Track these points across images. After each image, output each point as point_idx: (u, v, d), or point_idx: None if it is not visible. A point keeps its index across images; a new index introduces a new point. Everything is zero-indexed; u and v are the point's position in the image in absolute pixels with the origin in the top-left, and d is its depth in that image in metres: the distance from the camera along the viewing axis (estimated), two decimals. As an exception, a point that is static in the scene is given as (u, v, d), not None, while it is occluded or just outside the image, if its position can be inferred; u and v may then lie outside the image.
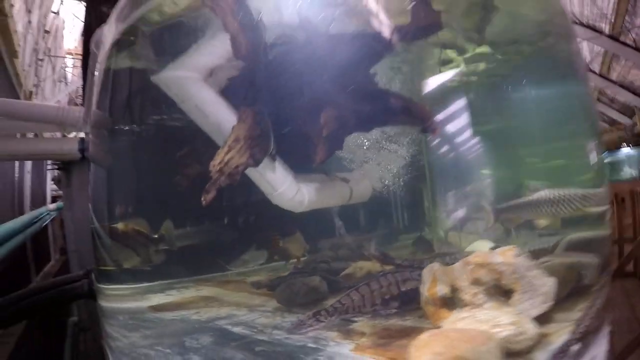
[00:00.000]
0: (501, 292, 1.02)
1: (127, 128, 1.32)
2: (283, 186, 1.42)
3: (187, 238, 1.58)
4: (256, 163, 1.30)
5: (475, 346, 0.74)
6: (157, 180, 1.33)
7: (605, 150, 12.55)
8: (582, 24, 9.70)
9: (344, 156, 1.68)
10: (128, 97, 1.26)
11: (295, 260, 1.76)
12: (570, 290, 1.11)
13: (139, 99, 1.25)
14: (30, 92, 4.01)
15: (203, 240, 1.56)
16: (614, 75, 12.22)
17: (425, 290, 1.16)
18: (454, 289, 1.08)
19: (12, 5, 2.71)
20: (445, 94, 1.25)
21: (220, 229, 1.57)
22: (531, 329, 0.86)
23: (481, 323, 0.90)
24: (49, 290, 1.88)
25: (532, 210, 1.69)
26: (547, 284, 1.01)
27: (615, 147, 14.05)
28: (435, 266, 1.16)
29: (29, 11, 3.82)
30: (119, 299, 1.31)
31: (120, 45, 1.13)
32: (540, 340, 0.85)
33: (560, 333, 0.90)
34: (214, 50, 1.18)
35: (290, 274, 1.57)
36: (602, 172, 1.60)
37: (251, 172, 1.34)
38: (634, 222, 5.17)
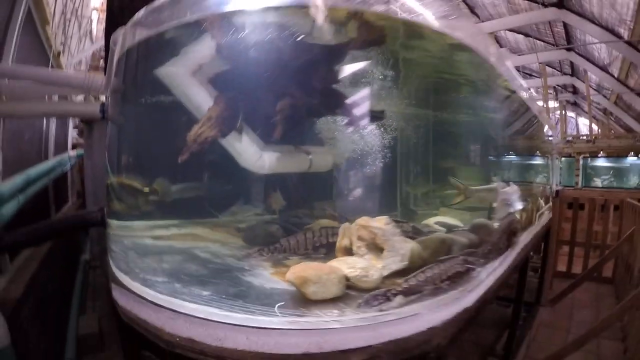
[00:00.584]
0: (376, 248, 1.44)
1: (134, 98, 1.75)
2: (247, 153, 1.83)
3: (185, 192, 2.03)
4: (223, 136, 1.74)
5: (321, 273, 1.15)
6: (153, 144, 1.77)
7: (615, 156, 12.60)
8: (600, 26, 9.60)
9: (320, 135, 2.08)
10: (136, 76, 1.69)
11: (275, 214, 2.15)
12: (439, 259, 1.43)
13: (144, 79, 1.67)
14: (59, 52, 4.43)
15: (199, 194, 2.00)
16: (631, 82, 12.09)
17: (338, 241, 1.61)
18: (351, 242, 1.51)
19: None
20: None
21: (213, 186, 2.02)
22: (374, 276, 1.26)
23: (344, 264, 1.29)
24: (70, 219, 2.40)
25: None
26: (405, 248, 1.40)
27: (626, 154, 13.93)
28: (346, 224, 1.59)
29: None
30: (123, 229, 1.77)
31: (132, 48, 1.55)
32: (379, 286, 1.24)
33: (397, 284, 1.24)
34: (201, 53, 1.60)
35: (258, 223, 2.03)
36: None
37: (225, 142, 1.77)
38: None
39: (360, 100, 1.60)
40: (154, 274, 1.37)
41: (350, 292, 1.21)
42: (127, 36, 1.55)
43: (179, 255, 1.63)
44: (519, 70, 12.90)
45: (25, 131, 3.43)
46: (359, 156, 1.82)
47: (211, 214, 2.04)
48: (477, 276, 1.47)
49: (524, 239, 2.63)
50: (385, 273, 1.34)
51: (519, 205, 2.50)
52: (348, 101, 1.60)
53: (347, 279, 1.23)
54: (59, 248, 3.64)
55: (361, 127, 1.68)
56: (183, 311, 1.08)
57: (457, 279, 1.29)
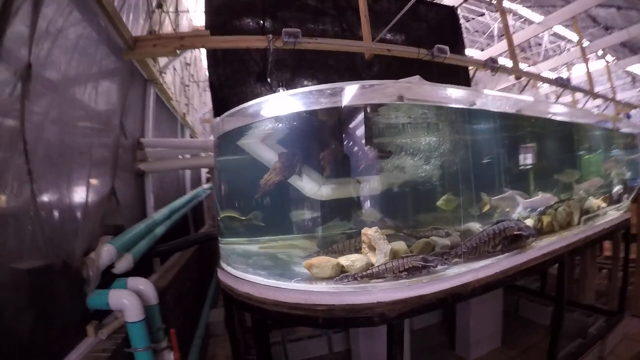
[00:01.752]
0: (373, 249, 2.13)
1: (225, 157, 2.79)
2: (307, 187, 2.70)
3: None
4: (285, 179, 2.64)
5: (321, 262, 1.95)
6: (243, 184, 2.78)
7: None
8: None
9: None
10: (228, 141, 2.72)
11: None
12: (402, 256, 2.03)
13: (232, 146, 2.70)
14: (184, 114, 6.06)
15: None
16: None
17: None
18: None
19: (163, 74, 4.54)
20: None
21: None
22: (357, 265, 1.98)
23: (345, 257, 2.06)
24: (198, 235, 3.62)
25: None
26: (387, 248, 2.04)
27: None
28: (366, 230, 2.30)
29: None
30: (226, 242, 2.79)
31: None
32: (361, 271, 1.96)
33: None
34: (265, 129, 2.55)
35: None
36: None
37: (294, 183, 2.65)
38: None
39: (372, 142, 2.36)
40: (240, 262, 2.33)
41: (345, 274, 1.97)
42: (221, 124, 2.59)
43: (263, 255, 2.56)
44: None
45: (167, 176, 4.96)
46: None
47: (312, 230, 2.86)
48: (442, 272, 1.99)
49: (545, 244, 2.65)
50: (375, 264, 2.05)
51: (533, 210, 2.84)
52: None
53: (342, 266, 1.99)
54: (196, 258, 5.04)
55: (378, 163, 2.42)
56: (251, 280, 2.00)
57: (414, 271, 1.91)
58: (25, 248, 1.82)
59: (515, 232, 2.36)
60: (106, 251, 2.41)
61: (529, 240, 2.50)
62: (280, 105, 2.40)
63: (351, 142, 2.50)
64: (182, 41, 3.25)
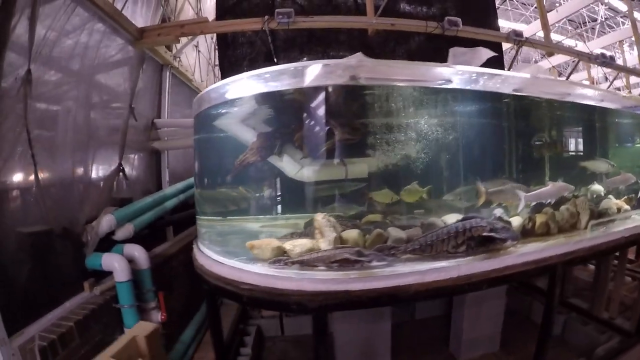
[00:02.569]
0: (322, 234, 2.24)
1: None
2: (288, 168, 2.85)
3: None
4: (262, 159, 2.84)
5: (261, 244, 2.14)
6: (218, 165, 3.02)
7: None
8: None
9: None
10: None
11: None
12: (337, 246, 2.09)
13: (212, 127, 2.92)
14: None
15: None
16: None
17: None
18: (319, 230, 2.37)
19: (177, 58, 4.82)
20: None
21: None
22: (296, 251, 2.10)
23: (291, 242, 2.19)
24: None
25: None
26: (332, 236, 2.12)
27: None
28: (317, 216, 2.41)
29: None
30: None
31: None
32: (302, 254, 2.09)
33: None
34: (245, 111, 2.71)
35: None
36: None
37: (275, 163, 2.82)
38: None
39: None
40: (205, 238, 2.63)
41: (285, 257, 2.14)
42: (196, 104, 2.77)
43: (230, 233, 2.83)
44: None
45: (188, 153, 5.40)
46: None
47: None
48: (379, 269, 1.96)
49: (531, 249, 2.30)
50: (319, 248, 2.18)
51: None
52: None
53: (284, 250, 2.17)
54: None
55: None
56: (207, 253, 2.27)
57: (346, 264, 1.93)
58: (28, 216, 2.26)
59: (484, 234, 2.11)
60: (106, 220, 2.84)
61: (506, 244, 2.21)
62: (244, 87, 2.44)
63: (320, 123, 2.60)
64: (182, 29, 3.49)
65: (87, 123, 2.96)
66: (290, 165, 2.98)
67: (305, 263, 2.01)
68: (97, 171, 3.01)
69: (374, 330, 3.35)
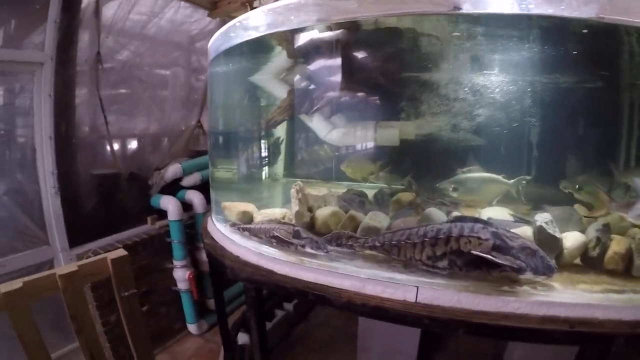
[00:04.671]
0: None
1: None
2: (319, 129, 2.69)
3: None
4: (290, 118, 2.68)
5: (231, 206, 2.09)
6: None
7: None
8: None
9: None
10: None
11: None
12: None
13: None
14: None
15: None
16: None
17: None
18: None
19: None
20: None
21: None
22: (259, 218, 1.98)
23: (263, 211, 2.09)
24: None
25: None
26: (295, 209, 1.91)
27: None
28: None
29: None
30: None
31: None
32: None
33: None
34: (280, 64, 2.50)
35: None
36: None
37: (307, 123, 2.69)
38: None
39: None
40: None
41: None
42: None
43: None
44: None
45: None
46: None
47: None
48: (316, 259, 1.62)
49: (571, 297, 1.27)
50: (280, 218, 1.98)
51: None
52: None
53: (250, 215, 2.08)
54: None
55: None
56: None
57: (281, 243, 1.70)
58: (98, 161, 2.95)
59: (475, 252, 1.27)
60: (172, 168, 3.38)
61: (523, 276, 1.28)
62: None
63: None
64: (247, -4, 3.53)
65: (174, 84, 3.52)
66: (320, 125, 2.75)
67: (251, 232, 1.89)
68: (178, 126, 3.58)
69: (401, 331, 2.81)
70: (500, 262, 1.24)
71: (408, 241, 1.43)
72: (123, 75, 3.07)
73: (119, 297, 1.79)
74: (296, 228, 1.71)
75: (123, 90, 3.11)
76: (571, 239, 1.50)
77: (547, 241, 1.47)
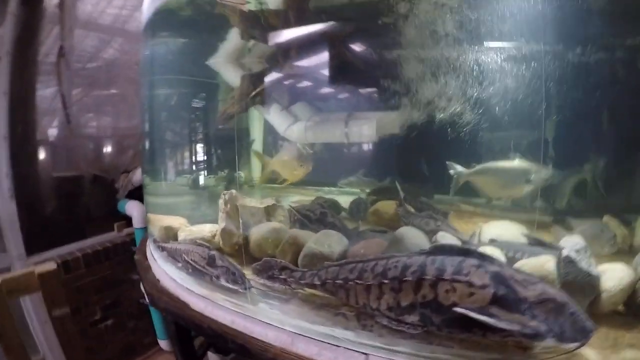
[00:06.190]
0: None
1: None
2: (277, 123, 2.28)
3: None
4: (244, 111, 2.39)
5: (157, 219, 1.83)
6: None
7: None
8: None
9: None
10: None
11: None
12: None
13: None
14: None
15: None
16: None
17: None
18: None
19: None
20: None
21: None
22: (183, 235, 1.66)
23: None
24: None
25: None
26: (222, 225, 1.56)
27: None
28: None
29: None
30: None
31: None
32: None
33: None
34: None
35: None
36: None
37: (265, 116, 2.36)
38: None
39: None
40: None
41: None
42: None
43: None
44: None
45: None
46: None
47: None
48: (230, 296, 1.27)
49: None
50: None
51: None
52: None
53: (174, 231, 1.76)
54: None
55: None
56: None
57: (196, 269, 1.38)
58: (60, 164, 2.79)
59: (462, 310, 0.77)
60: (140, 171, 3.19)
61: (543, 343, 0.76)
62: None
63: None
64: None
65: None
66: (278, 118, 2.39)
67: (168, 252, 1.59)
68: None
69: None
70: (502, 327, 0.76)
71: (358, 281, 0.97)
72: (90, 72, 2.89)
73: (50, 317, 1.58)
74: (211, 252, 1.34)
75: (90, 88, 2.93)
76: (613, 277, 0.99)
77: (578, 281, 0.98)
